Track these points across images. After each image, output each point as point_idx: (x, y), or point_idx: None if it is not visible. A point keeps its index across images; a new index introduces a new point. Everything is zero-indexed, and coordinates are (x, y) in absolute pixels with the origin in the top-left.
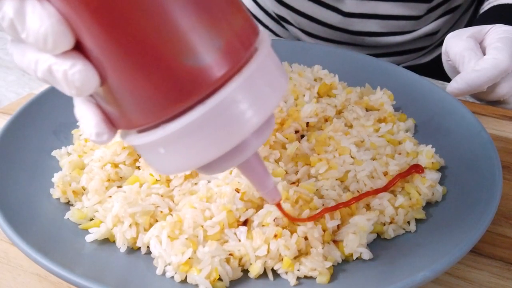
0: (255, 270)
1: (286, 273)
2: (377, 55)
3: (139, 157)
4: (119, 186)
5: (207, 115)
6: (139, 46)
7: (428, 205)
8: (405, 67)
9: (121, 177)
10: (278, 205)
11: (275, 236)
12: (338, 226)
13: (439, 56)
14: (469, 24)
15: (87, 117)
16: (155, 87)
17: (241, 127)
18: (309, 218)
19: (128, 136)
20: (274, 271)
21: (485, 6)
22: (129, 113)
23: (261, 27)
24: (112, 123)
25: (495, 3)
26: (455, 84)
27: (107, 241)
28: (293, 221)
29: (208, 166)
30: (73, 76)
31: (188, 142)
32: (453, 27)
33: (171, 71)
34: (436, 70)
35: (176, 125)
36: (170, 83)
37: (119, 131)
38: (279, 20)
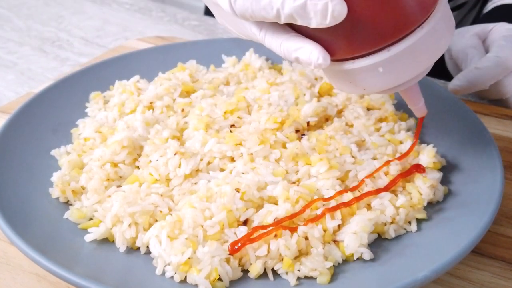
0: (255, 270)
1: (287, 273)
2: None
3: (139, 157)
4: (119, 186)
5: (422, 39)
6: None
7: (429, 205)
8: None
9: (120, 177)
10: (421, 120)
11: (276, 236)
12: (339, 226)
13: (443, 54)
14: (474, 23)
15: (308, 46)
16: (393, 14)
17: (442, 45)
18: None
19: (337, 64)
20: (274, 271)
21: (489, 6)
22: (361, 39)
23: None
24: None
25: (499, 3)
26: (458, 82)
27: (107, 241)
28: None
29: (398, 85)
30: (335, 6)
31: (404, 62)
32: (458, 25)
33: (402, 4)
34: (440, 68)
35: (398, 48)
36: (403, 9)
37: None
38: None
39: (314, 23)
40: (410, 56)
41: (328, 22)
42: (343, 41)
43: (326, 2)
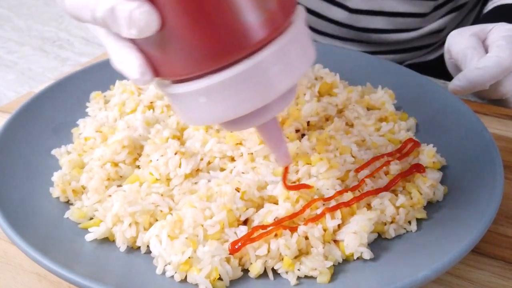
0: (255, 269)
1: (287, 272)
2: (382, 52)
3: (139, 156)
4: (119, 185)
5: (249, 71)
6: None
7: (429, 205)
8: (409, 64)
9: (121, 176)
10: (286, 169)
11: (276, 235)
12: (339, 226)
13: (443, 54)
14: (475, 23)
15: (130, 59)
16: (212, 38)
17: (273, 88)
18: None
19: (166, 86)
20: (274, 271)
21: (489, 6)
22: (178, 61)
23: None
24: (155, 71)
25: (499, 3)
26: (458, 82)
27: (107, 240)
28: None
29: (236, 121)
30: (140, 15)
31: (228, 94)
32: (459, 25)
33: (227, 26)
34: (441, 68)
35: (221, 76)
36: (224, 36)
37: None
38: None
39: (124, 32)
40: (238, 87)
41: (135, 33)
42: (166, 59)
43: (131, 10)
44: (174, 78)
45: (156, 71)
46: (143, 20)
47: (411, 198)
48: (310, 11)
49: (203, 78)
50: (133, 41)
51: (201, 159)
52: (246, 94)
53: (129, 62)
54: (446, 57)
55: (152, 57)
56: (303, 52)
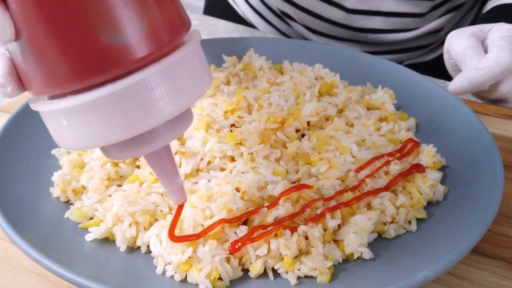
0: (255, 269)
1: (287, 272)
2: (380, 53)
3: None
4: (119, 185)
5: (116, 94)
6: (59, 11)
7: (429, 205)
8: (408, 65)
9: (121, 176)
10: (180, 207)
11: (276, 235)
12: (339, 226)
13: (442, 54)
14: (473, 23)
15: None
16: (67, 56)
17: (151, 115)
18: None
19: (36, 101)
20: (274, 271)
21: (488, 6)
22: (38, 76)
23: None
24: (22, 82)
25: (498, 3)
26: (457, 83)
27: (107, 240)
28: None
29: (112, 149)
30: None
31: (91, 119)
32: (457, 25)
33: (86, 44)
34: (439, 69)
35: (81, 98)
36: (83, 55)
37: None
38: (283, 16)
39: None
40: (101, 113)
41: None
42: (29, 72)
43: None
44: (36, 94)
45: (25, 85)
46: None
47: (411, 198)
48: (306, 11)
49: (63, 98)
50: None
51: (201, 159)
52: (116, 120)
53: None
54: (446, 57)
55: (19, 69)
56: (193, 76)
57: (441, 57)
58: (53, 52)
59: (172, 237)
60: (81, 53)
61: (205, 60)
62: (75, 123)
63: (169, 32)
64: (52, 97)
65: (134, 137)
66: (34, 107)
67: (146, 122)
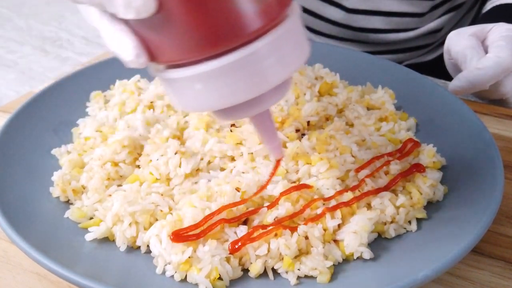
0: (255, 269)
1: (287, 272)
2: (380, 52)
3: (139, 156)
4: (119, 185)
5: (245, 59)
6: None
7: (429, 205)
8: (408, 65)
9: (121, 176)
10: (278, 162)
11: (276, 235)
12: (339, 226)
13: (442, 54)
14: (473, 23)
15: (124, 41)
16: (209, 23)
17: (267, 79)
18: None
19: (160, 71)
20: (274, 271)
21: (488, 6)
22: (175, 45)
23: None
24: (151, 55)
25: (498, 3)
26: (458, 82)
27: (107, 240)
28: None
29: (229, 110)
30: None
31: (223, 82)
32: (456, 25)
33: (225, 11)
34: (439, 69)
35: (218, 62)
36: (222, 22)
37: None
38: None
39: (120, 13)
40: (234, 76)
41: (132, 14)
42: (162, 43)
43: None
44: (169, 62)
45: (151, 55)
46: (140, 1)
47: (411, 198)
48: (306, 11)
49: (199, 64)
50: (128, 23)
51: (201, 159)
52: (240, 83)
53: (123, 44)
54: (446, 57)
55: (147, 40)
56: (297, 46)
57: (441, 57)
58: (195, 21)
59: (173, 236)
60: (221, 21)
61: (304, 29)
62: (210, 86)
63: (283, 2)
64: (180, 65)
65: (249, 100)
66: (165, 75)
67: (265, 85)
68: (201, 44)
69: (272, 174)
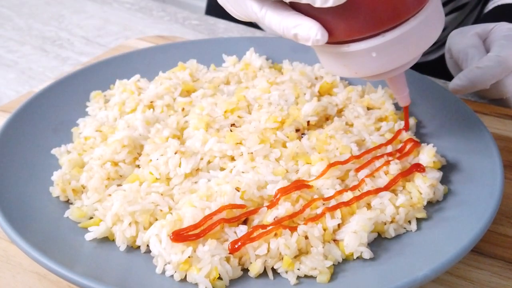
0: (255, 269)
1: (286, 272)
2: None
3: (139, 156)
4: (119, 185)
5: (415, 28)
6: None
7: (429, 204)
8: None
9: (121, 176)
10: (406, 108)
11: (275, 235)
12: (339, 225)
13: (444, 54)
14: (476, 23)
15: (308, 23)
16: (388, 4)
17: (428, 40)
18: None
19: (335, 46)
20: (274, 270)
21: (490, 6)
22: (360, 23)
23: None
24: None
25: (499, 3)
26: (458, 81)
27: (107, 240)
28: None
29: (385, 72)
30: None
31: (394, 49)
32: (460, 25)
33: None
34: (442, 68)
35: (392, 34)
36: (396, 3)
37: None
38: None
39: (318, 2)
40: (402, 44)
41: (330, 2)
42: (341, 24)
43: None
44: (349, 38)
45: (333, 34)
46: None
47: (411, 198)
48: None
49: (378, 37)
50: (301, 9)
51: (201, 159)
52: (405, 50)
53: (307, 25)
54: (447, 56)
55: (326, 22)
56: (440, 17)
57: (443, 56)
58: (378, 4)
59: (172, 236)
60: (395, 2)
61: (440, 4)
62: (382, 55)
63: None
64: (354, 40)
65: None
66: (344, 49)
67: (422, 48)
68: (384, 20)
69: (406, 119)
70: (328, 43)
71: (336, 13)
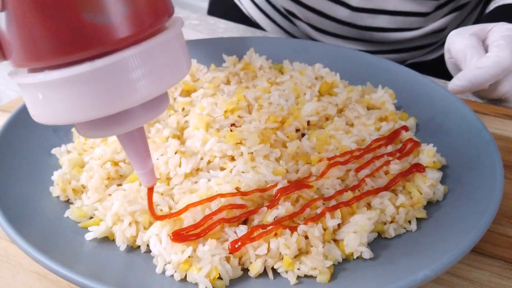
0: (255, 269)
1: (286, 272)
2: (384, 52)
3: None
4: (119, 184)
5: (93, 73)
6: None
7: (429, 204)
8: (410, 64)
9: (121, 175)
10: (150, 190)
11: (275, 235)
12: (339, 225)
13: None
14: (476, 23)
15: None
16: (48, 30)
17: (127, 96)
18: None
19: (16, 74)
20: (274, 270)
21: (491, 6)
22: (20, 48)
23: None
24: (3, 52)
25: (500, 3)
26: (457, 82)
27: (107, 240)
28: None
29: (85, 126)
30: None
31: (67, 95)
32: (460, 25)
33: (68, 20)
34: (442, 68)
35: (58, 73)
36: (64, 31)
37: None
38: (288, 15)
39: None
40: (78, 90)
41: None
42: (10, 43)
43: None
44: (17, 66)
45: (5, 54)
46: None
47: (411, 198)
48: (313, 10)
49: (42, 72)
50: None
51: (201, 159)
52: (93, 97)
53: None
54: (446, 56)
55: (1, 38)
56: (172, 61)
57: (443, 57)
58: (35, 26)
59: (172, 236)
60: (63, 29)
61: (186, 46)
62: (50, 98)
63: (151, 16)
64: (32, 70)
65: (108, 116)
66: (13, 78)
67: (121, 103)
68: (45, 51)
69: (149, 203)
70: (30, 70)
71: (3, 29)
